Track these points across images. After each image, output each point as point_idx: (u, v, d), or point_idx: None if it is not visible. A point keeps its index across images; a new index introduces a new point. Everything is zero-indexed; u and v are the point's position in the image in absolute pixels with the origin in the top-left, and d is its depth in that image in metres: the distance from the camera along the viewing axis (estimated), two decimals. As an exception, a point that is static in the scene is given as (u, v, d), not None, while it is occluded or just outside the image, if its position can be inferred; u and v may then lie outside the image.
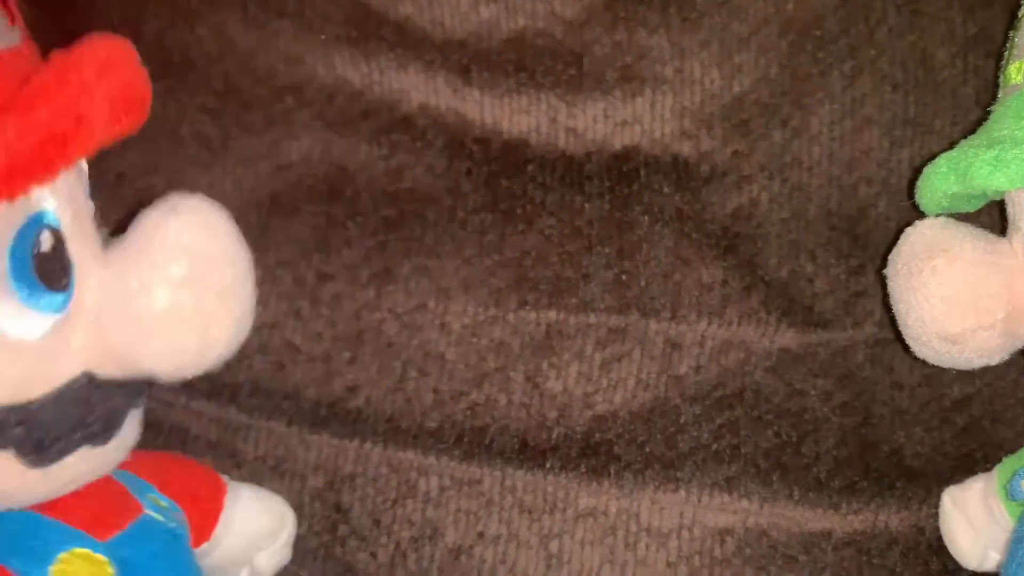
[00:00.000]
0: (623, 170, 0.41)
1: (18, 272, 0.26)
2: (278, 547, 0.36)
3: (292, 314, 0.41)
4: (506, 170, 0.41)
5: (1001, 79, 0.32)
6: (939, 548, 0.38)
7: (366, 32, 0.41)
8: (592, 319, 0.40)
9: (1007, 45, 0.33)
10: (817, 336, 0.40)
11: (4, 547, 0.28)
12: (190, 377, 0.28)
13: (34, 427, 0.27)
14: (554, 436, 0.40)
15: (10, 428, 0.26)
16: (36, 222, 0.27)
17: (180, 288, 0.27)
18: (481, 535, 0.39)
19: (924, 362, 0.32)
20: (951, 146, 0.32)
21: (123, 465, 0.31)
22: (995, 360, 0.31)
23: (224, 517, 0.34)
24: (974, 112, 0.40)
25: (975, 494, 0.37)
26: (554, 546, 0.39)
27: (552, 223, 0.41)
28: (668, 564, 0.38)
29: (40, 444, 0.27)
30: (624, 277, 0.41)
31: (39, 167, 0.25)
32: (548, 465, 0.39)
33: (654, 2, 0.40)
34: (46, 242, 0.27)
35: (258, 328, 0.30)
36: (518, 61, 0.41)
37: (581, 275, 0.41)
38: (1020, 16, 0.32)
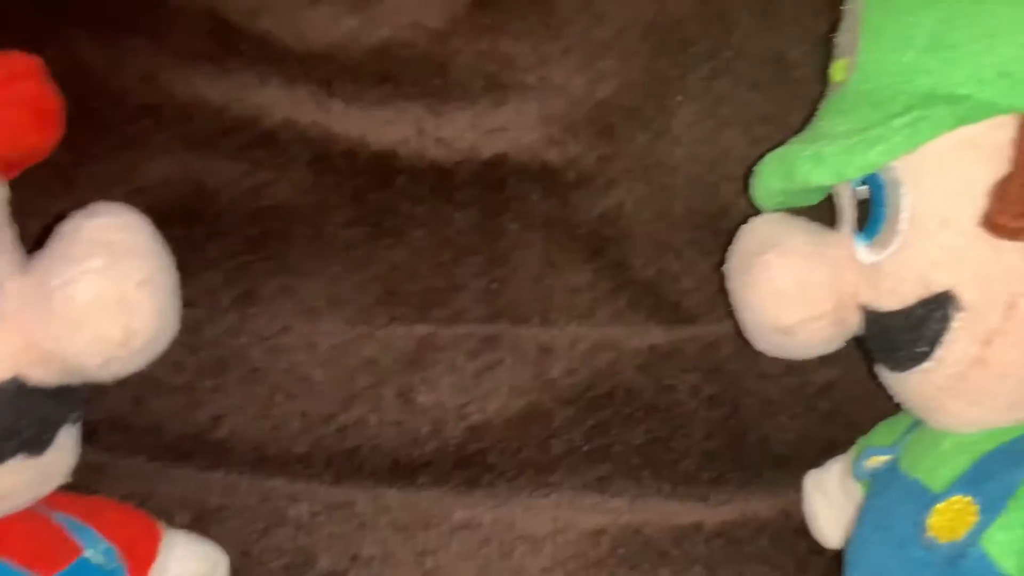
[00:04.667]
0: (492, 178, 0.40)
1: None
2: None
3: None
4: (374, 183, 0.40)
5: (829, 77, 0.33)
6: (805, 531, 0.38)
7: (225, 48, 0.39)
8: (463, 329, 0.39)
9: (833, 46, 0.33)
10: (685, 332, 0.40)
11: None
12: (122, 374, 0.28)
13: None
14: (427, 451, 0.38)
15: None
16: None
17: (101, 278, 0.27)
18: (355, 558, 0.38)
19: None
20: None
21: (60, 507, 0.31)
22: (830, 349, 0.32)
23: (158, 564, 0.34)
24: (828, 109, 0.41)
25: (833, 476, 0.37)
26: (430, 562, 0.38)
27: (422, 234, 0.40)
28: (543, 570, 0.38)
29: None
30: (495, 285, 0.39)
31: None
32: (421, 481, 0.38)
33: (516, 10, 0.39)
34: None
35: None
36: (382, 72, 0.40)
37: (452, 286, 0.40)
38: (843, 18, 0.32)
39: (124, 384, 0.38)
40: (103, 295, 0.28)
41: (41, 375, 0.28)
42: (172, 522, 0.36)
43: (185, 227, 0.39)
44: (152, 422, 0.38)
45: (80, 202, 0.39)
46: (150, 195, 0.39)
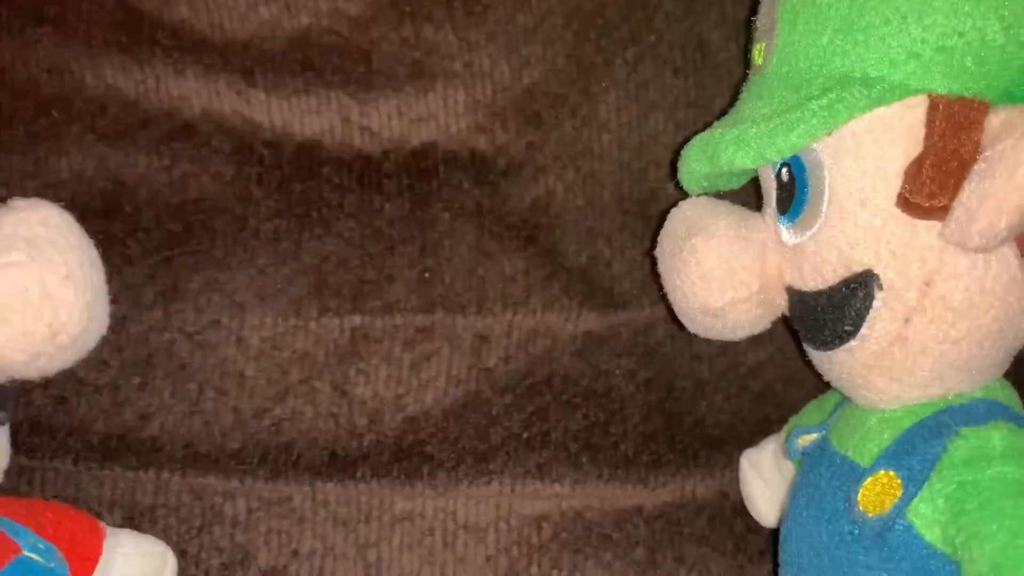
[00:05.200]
0: (421, 167, 0.40)
1: None
2: None
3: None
4: (300, 173, 0.39)
5: (750, 61, 0.33)
6: (743, 510, 0.39)
7: (138, 37, 0.38)
8: (398, 320, 0.39)
9: (752, 30, 0.33)
10: (618, 317, 0.40)
11: None
12: (49, 371, 0.27)
13: None
14: (365, 444, 0.38)
15: None
16: None
17: (21, 272, 0.27)
18: (295, 553, 0.37)
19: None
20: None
21: (-2, 511, 0.29)
22: (758, 329, 0.32)
23: (103, 561, 0.33)
24: (750, 92, 0.41)
25: (768, 455, 0.38)
26: (372, 555, 0.37)
27: (351, 225, 0.39)
28: (487, 558, 0.38)
29: None
30: (428, 275, 0.39)
31: None
32: (360, 474, 0.38)
33: (438, -4, 0.39)
34: None
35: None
36: (304, 61, 0.39)
37: (384, 276, 0.39)
38: (761, 1, 0.33)
39: (46, 384, 0.37)
40: (25, 289, 0.27)
41: None
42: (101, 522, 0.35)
43: (103, 223, 0.38)
44: (76, 423, 0.37)
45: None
46: (64, 190, 0.37)
